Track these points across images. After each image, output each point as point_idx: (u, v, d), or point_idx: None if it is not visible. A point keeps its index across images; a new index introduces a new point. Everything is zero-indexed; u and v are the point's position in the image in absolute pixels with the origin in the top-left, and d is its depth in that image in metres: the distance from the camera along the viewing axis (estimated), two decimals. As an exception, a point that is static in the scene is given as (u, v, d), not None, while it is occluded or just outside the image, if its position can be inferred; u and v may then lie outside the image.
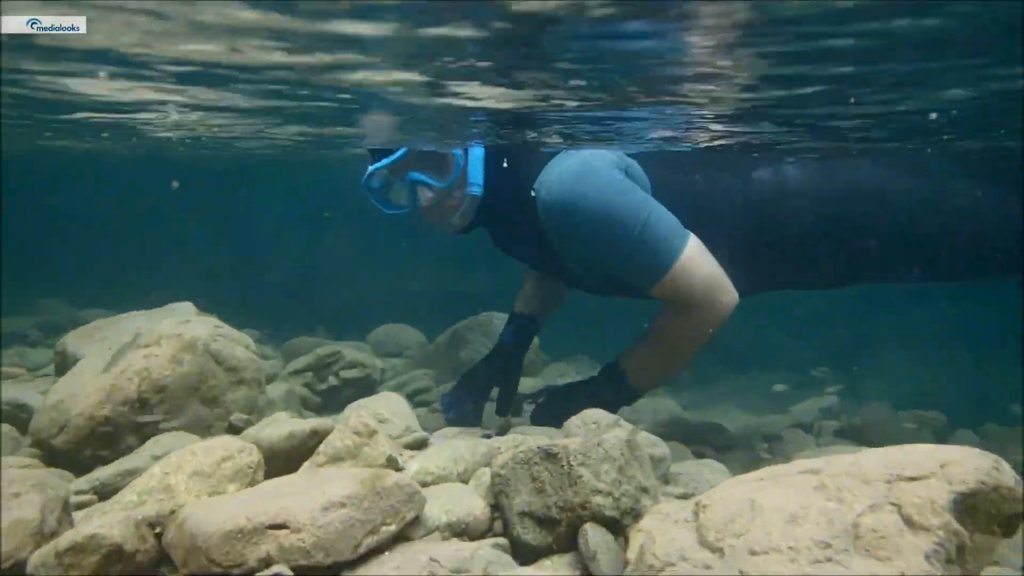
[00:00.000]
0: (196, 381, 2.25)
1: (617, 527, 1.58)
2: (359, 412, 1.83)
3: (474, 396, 3.01)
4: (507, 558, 1.49)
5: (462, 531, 1.59)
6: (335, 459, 1.70)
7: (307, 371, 3.49)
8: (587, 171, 2.51)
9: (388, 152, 2.66)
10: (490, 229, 2.89)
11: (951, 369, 6.28)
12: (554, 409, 2.70)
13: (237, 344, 2.39)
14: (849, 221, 2.74)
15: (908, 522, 1.22)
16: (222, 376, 2.32)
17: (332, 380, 3.48)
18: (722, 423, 3.47)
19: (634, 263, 2.49)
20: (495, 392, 3.14)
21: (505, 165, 2.73)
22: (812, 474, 1.37)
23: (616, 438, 1.68)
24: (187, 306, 2.93)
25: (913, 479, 1.27)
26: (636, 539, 1.46)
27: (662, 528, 1.38)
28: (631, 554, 1.42)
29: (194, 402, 2.25)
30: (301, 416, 2.69)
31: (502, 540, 1.60)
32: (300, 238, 10.59)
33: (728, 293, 2.50)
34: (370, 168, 2.69)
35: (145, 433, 2.14)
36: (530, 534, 1.58)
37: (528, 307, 3.25)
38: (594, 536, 1.52)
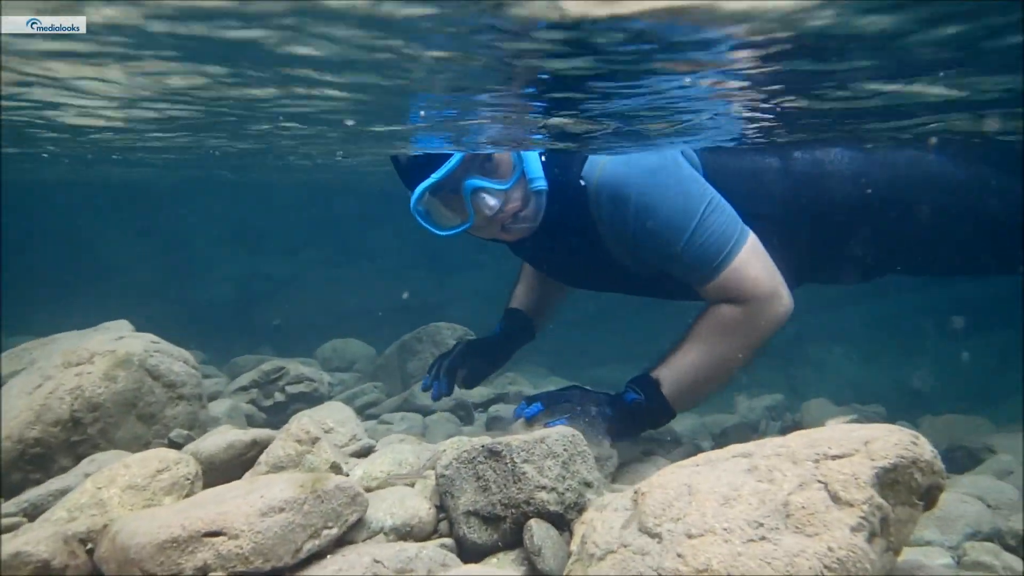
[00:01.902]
0: (132, 398, 2.18)
1: (562, 522, 1.60)
2: (301, 420, 1.81)
3: (448, 372, 2.83)
4: (452, 557, 1.49)
5: (407, 533, 1.58)
6: (277, 468, 1.68)
7: (252, 388, 3.41)
8: (639, 155, 2.36)
9: (432, 165, 2.28)
10: (539, 236, 2.52)
11: (885, 364, 6.52)
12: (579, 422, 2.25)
13: (175, 359, 2.33)
14: (891, 204, 2.59)
15: (835, 498, 1.27)
16: (160, 392, 2.26)
17: (278, 396, 3.41)
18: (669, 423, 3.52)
19: (689, 258, 2.28)
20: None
21: (545, 159, 2.47)
22: (744, 457, 1.41)
23: (559, 434, 1.71)
24: (122, 324, 2.84)
25: (838, 457, 1.33)
26: (579, 530, 1.48)
27: (602, 517, 1.40)
28: (573, 545, 1.44)
29: (131, 419, 2.19)
30: (245, 432, 2.64)
31: (448, 540, 1.60)
32: (241, 256, 10.39)
33: (785, 297, 2.30)
34: (421, 186, 2.26)
35: (79, 453, 2.08)
36: (475, 532, 1.59)
37: (525, 307, 3.10)
38: (539, 531, 1.54)
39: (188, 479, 1.58)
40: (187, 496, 1.57)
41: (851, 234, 2.64)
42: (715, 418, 4.27)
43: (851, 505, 1.25)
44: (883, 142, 2.84)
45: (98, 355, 2.17)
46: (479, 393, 3.67)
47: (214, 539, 1.26)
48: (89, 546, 1.38)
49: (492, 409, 3.44)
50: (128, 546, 1.27)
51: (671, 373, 2.33)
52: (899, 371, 6.35)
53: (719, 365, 2.34)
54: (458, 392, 3.55)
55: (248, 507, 1.31)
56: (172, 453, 1.63)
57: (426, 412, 3.37)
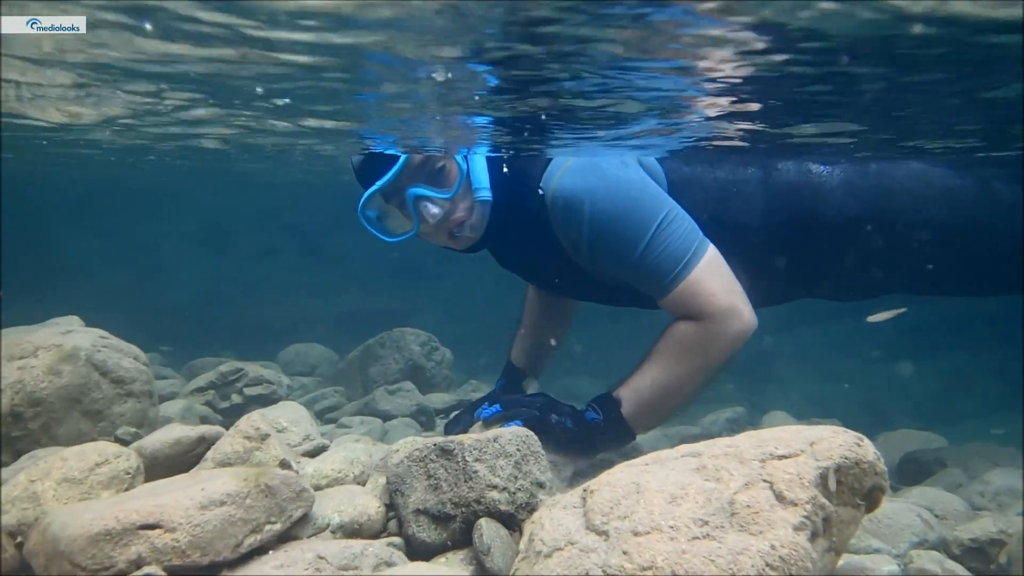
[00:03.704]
0: (77, 393, 2.12)
1: (513, 521, 1.58)
2: (251, 418, 1.78)
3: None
4: (399, 555, 1.47)
5: (355, 531, 1.56)
6: (224, 464, 1.64)
7: (209, 389, 3.34)
8: (598, 164, 2.32)
9: (378, 170, 2.30)
10: (495, 242, 2.55)
11: (846, 382, 6.63)
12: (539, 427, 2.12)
13: (124, 355, 2.28)
14: (887, 219, 2.48)
15: (779, 497, 1.28)
16: (107, 388, 2.20)
17: (235, 398, 3.35)
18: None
19: (644, 269, 2.24)
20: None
21: (507, 170, 2.45)
22: (693, 457, 1.41)
23: (513, 434, 1.70)
24: (72, 319, 2.77)
25: (784, 457, 1.34)
26: (528, 529, 1.47)
27: (551, 515, 1.39)
28: (522, 543, 1.42)
29: (75, 415, 2.12)
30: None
31: (397, 539, 1.58)
32: (208, 259, 10.24)
33: (745, 314, 2.22)
34: (365, 193, 2.31)
35: (19, 449, 2.01)
36: (424, 531, 1.57)
37: (522, 359, 3.08)
38: (488, 530, 1.52)
39: (128, 473, 1.54)
40: (127, 491, 1.52)
41: (845, 249, 2.56)
42: (678, 429, 4.29)
43: (795, 504, 1.26)
44: (879, 152, 2.77)
45: (42, 349, 2.11)
46: (441, 399, 3.65)
47: (149, 532, 1.23)
48: (19, 540, 1.33)
49: (453, 415, 3.42)
50: (58, 538, 1.23)
51: (631, 393, 2.26)
52: (859, 389, 6.46)
53: (679, 384, 2.27)
54: (419, 398, 3.53)
55: (187, 500, 1.28)
56: (112, 447, 1.59)
57: (387, 417, 3.33)
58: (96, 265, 8.99)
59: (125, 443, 2.10)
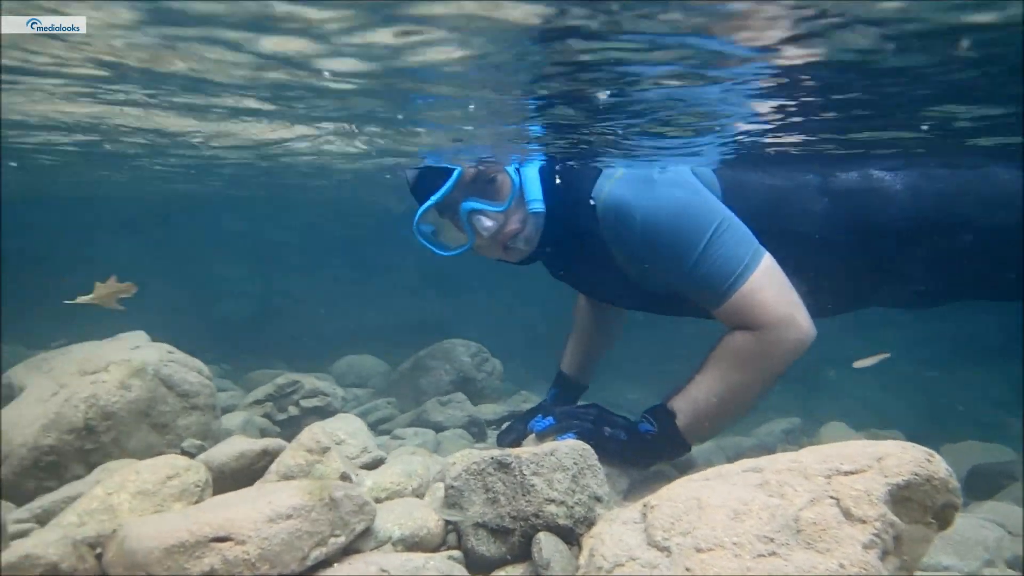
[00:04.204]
0: (146, 407, 2.20)
1: (571, 535, 1.58)
2: (312, 430, 1.82)
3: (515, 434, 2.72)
4: (460, 568, 1.48)
5: (415, 544, 1.58)
6: (286, 477, 1.68)
7: (267, 401, 3.42)
8: (649, 175, 2.32)
9: (432, 185, 2.33)
10: (548, 254, 2.54)
11: (905, 391, 6.42)
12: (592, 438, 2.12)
13: (189, 369, 2.35)
14: (955, 224, 2.42)
15: (846, 514, 1.25)
16: (173, 401, 2.28)
17: (292, 410, 3.42)
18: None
19: (698, 279, 2.21)
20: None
21: (559, 181, 2.46)
22: (755, 472, 1.39)
23: (569, 447, 1.70)
24: (139, 334, 2.87)
25: (851, 473, 1.31)
26: (587, 544, 1.46)
27: (611, 530, 1.38)
28: (582, 559, 1.42)
29: (144, 428, 2.20)
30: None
31: (456, 552, 1.59)
32: (259, 271, 10.49)
33: (803, 324, 2.17)
34: (420, 209, 2.34)
35: (92, 462, 2.09)
36: (484, 545, 1.58)
37: (573, 368, 3.11)
38: (547, 545, 1.52)
39: (198, 486, 1.59)
40: (196, 503, 1.57)
41: (907, 257, 2.49)
42: (732, 441, 4.22)
43: (863, 522, 1.23)
44: (944, 156, 2.66)
45: (113, 364, 2.20)
46: (492, 410, 3.67)
47: (221, 544, 1.26)
48: (98, 551, 1.39)
49: (505, 426, 3.43)
50: (135, 550, 1.28)
51: (686, 404, 2.23)
52: (918, 398, 6.24)
53: (735, 396, 2.22)
54: (470, 409, 3.55)
55: (256, 513, 1.31)
56: (182, 460, 1.64)
57: (439, 428, 3.36)
58: (149, 278, 9.29)
59: (191, 455, 2.17)
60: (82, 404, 2.10)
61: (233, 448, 1.79)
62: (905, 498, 1.28)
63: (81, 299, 2.46)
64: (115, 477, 1.58)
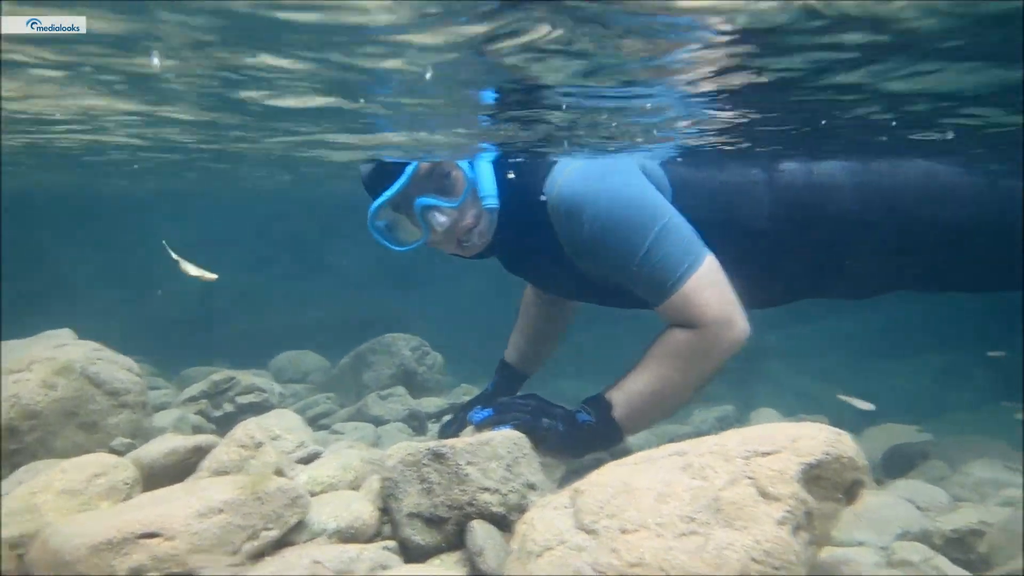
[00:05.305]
0: (73, 406, 2.14)
1: (505, 523, 1.62)
2: (247, 426, 1.80)
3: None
4: (395, 558, 1.50)
5: (351, 536, 1.58)
6: (219, 473, 1.67)
7: (201, 398, 3.36)
8: (600, 170, 2.36)
9: (386, 180, 2.34)
10: (503, 249, 2.60)
11: (839, 380, 6.70)
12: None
13: (118, 367, 2.30)
14: (895, 216, 2.52)
15: (763, 493, 1.32)
16: (102, 400, 2.22)
17: (228, 407, 3.37)
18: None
19: (642, 276, 2.29)
20: None
21: (513, 176, 2.49)
22: (680, 456, 1.45)
23: (504, 437, 1.73)
24: (64, 332, 2.78)
25: (768, 454, 1.38)
26: (520, 530, 1.50)
27: (542, 515, 1.42)
28: (514, 543, 1.46)
29: (71, 428, 2.14)
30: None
31: (391, 543, 1.61)
32: (204, 269, 10.18)
33: (739, 323, 2.27)
34: (374, 204, 2.36)
35: (16, 463, 2.03)
36: (419, 534, 1.60)
37: (516, 357, 3.14)
38: (481, 532, 1.56)
39: (126, 483, 1.56)
40: (125, 501, 1.55)
41: (851, 249, 2.60)
42: (668, 429, 4.33)
43: (777, 500, 1.30)
44: (885, 151, 2.77)
45: (36, 363, 2.13)
46: (433, 403, 3.68)
47: (149, 541, 1.25)
48: (20, 551, 1.36)
49: (445, 419, 3.45)
50: (60, 549, 1.25)
51: (623, 396, 2.31)
52: (852, 386, 6.51)
53: (670, 390, 2.32)
54: (411, 402, 3.56)
55: (186, 509, 1.31)
56: (110, 458, 1.61)
57: (379, 422, 3.36)
58: (89, 277, 8.94)
59: (120, 454, 2.12)
60: (4, 404, 2.03)
61: (164, 445, 1.76)
62: (817, 476, 1.36)
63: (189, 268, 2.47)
64: (39, 477, 1.54)
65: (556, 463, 2.31)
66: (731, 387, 6.07)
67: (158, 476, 1.73)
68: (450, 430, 2.56)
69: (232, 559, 1.31)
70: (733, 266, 2.36)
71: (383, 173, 2.40)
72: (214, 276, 2.59)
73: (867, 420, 4.68)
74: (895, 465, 2.87)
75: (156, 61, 1.93)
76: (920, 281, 2.83)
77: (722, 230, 2.42)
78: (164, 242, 2.62)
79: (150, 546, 1.25)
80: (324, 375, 4.42)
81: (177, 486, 1.56)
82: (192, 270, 2.53)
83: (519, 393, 2.99)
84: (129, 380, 2.30)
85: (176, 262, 2.55)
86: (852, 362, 7.11)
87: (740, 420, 4.46)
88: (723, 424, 4.43)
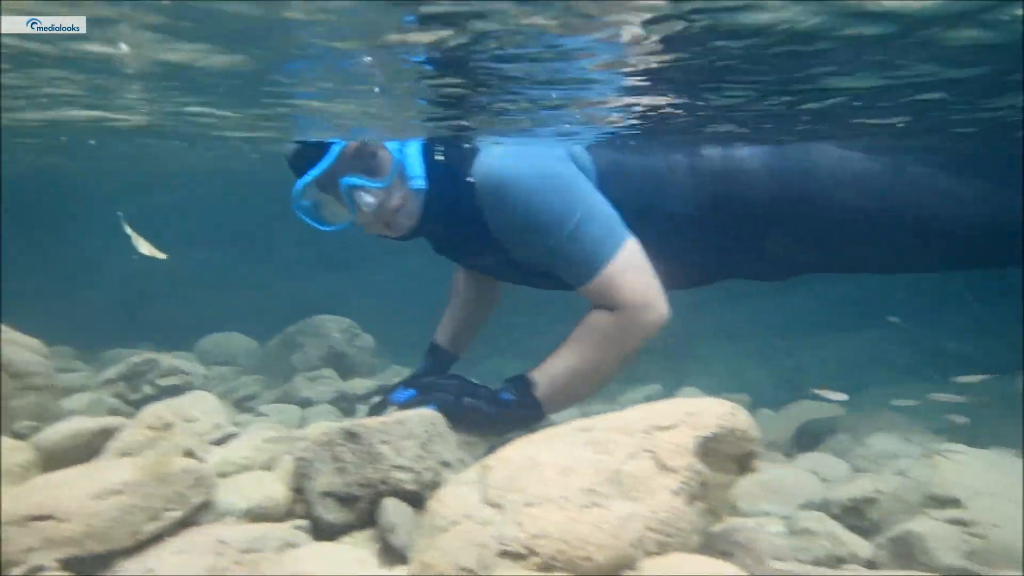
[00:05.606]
0: (-28, 388, 2.05)
1: (419, 500, 1.63)
2: (155, 408, 1.77)
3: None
4: (305, 536, 1.50)
5: (261, 515, 1.58)
6: (125, 455, 1.63)
7: (119, 381, 3.25)
8: (527, 154, 2.40)
9: (312, 158, 2.33)
10: (430, 230, 2.60)
11: (768, 358, 6.93)
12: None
13: (23, 348, 2.21)
14: (806, 201, 2.62)
15: (661, 466, 1.38)
16: (5, 382, 2.13)
17: (148, 389, 3.27)
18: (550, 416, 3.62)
19: (564, 259, 2.34)
20: None
21: (440, 157, 2.49)
22: (585, 431, 1.50)
23: (419, 416, 1.75)
24: (-33, 313, 2.66)
25: (666, 428, 1.44)
26: (431, 506, 1.52)
27: (452, 491, 1.45)
28: (425, 519, 1.48)
29: (-30, 411, 2.05)
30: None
31: (303, 522, 1.61)
32: (124, 251, 9.80)
33: (659, 305, 2.33)
34: (298, 183, 2.33)
35: (-92, 448, 1.93)
36: (331, 513, 1.60)
37: (446, 338, 3.14)
38: (392, 509, 1.57)
39: (22, 466, 1.52)
40: (19, 484, 1.50)
41: (767, 232, 2.69)
42: (596, 408, 4.42)
43: (674, 472, 1.36)
44: (800, 139, 2.88)
45: (-68, 343, 2.03)
46: (363, 385, 3.66)
47: (41, 523, 1.22)
48: (-97, 539, 1.30)
49: (374, 400, 3.44)
50: (-55, 535, 1.21)
51: (546, 376, 2.37)
52: (780, 365, 6.75)
53: (591, 370, 2.38)
54: (340, 384, 3.54)
55: (82, 491, 1.28)
56: (7, 441, 1.56)
57: (307, 404, 3.33)
58: (14, 259, 8.51)
59: (24, 437, 2.05)
60: None
61: (68, 427, 1.71)
62: (712, 449, 1.42)
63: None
64: (-74, 462, 1.48)
65: (479, 440, 2.34)
66: (663, 367, 6.23)
67: (61, 459, 1.67)
68: (379, 412, 2.56)
69: (133, 540, 1.29)
70: (656, 248, 2.41)
71: (309, 152, 2.37)
72: (164, 255, 2.53)
73: (794, 398, 4.88)
74: (805, 440, 3.00)
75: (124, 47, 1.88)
76: (835, 263, 2.95)
77: (645, 213, 2.48)
78: (120, 214, 2.52)
79: (42, 529, 1.22)
80: (252, 357, 4.35)
81: (76, 468, 1.51)
82: (144, 247, 2.46)
83: (444, 375, 3.01)
84: (36, 362, 2.21)
85: (129, 237, 2.47)
86: (781, 341, 7.37)
87: (666, 399, 4.55)
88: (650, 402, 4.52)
